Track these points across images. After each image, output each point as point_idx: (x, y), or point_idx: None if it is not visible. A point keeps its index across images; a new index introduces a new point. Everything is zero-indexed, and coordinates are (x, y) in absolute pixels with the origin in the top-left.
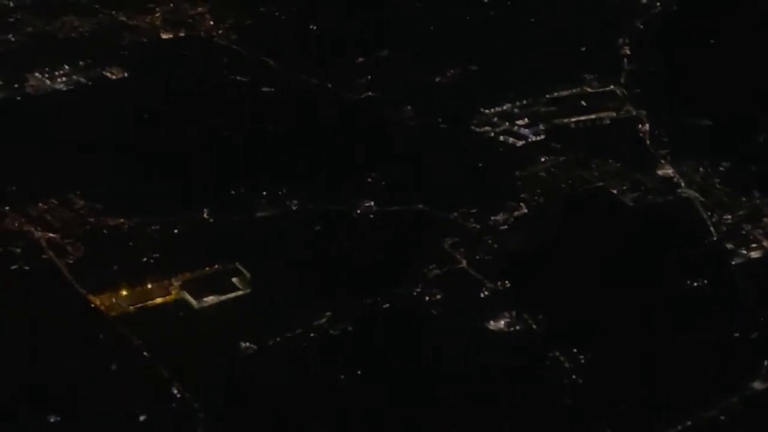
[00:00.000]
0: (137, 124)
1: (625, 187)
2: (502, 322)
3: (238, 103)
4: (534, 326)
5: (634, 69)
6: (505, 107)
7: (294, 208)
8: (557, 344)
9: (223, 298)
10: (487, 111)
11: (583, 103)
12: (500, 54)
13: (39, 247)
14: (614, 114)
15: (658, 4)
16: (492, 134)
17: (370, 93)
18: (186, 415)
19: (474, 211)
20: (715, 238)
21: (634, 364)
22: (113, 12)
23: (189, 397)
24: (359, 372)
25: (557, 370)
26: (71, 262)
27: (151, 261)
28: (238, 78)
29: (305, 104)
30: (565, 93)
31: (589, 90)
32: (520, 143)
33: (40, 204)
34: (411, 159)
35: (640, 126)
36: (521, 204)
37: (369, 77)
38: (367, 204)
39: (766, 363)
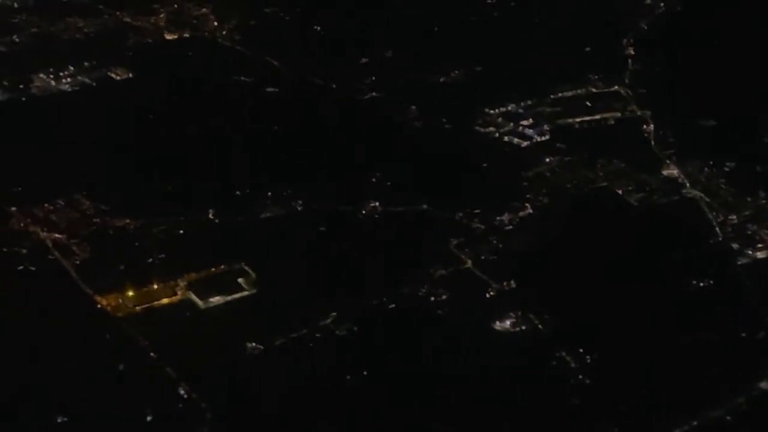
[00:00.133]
0: (142, 124)
1: (630, 188)
2: (508, 323)
3: (242, 103)
4: (540, 326)
5: (639, 69)
6: (509, 108)
7: (299, 208)
8: (563, 344)
9: (229, 298)
10: (491, 111)
11: (588, 103)
12: (504, 54)
13: (45, 247)
14: (619, 114)
15: (662, 4)
16: (497, 135)
17: (374, 93)
18: (193, 415)
19: (479, 211)
20: (720, 239)
21: (640, 364)
22: (117, 13)
23: (196, 398)
24: (365, 372)
25: (563, 370)
26: (77, 262)
27: (157, 261)
28: (242, 78)
29: (309, 105)
30: (569, 93)
31: (593, 90)
32: (524, 144)
33: (46, 204)
34: (416, 159)
35: (644, 126)
36: (526, 204)
37: (373, 78)
38: (372, 204)
39: None
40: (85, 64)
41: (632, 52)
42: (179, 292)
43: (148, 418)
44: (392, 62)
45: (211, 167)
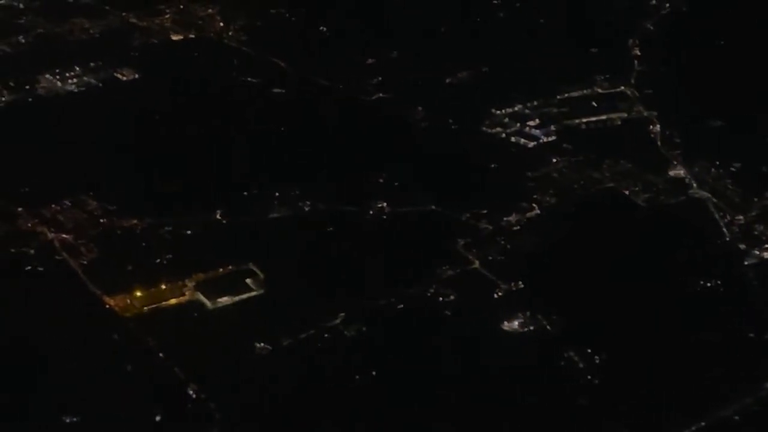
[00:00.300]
0: (148, 125)
1: (637, 188)
2: (516, 323)
3: (248, 104)
4: (548, 327)
5: (645, 70)
6: (516, 108)
7: (306, 209)
8: (571, 344)
9: (237, 298)
10: (498, 112)
11: (594, 104)
12: (510, 55)
13: (52, 248)
14: (625, 115)
15: (668, 5)
16: (503, 135)
17: (380, 94)
18: (202, 415)
19: (486, 212)
20: (727, 239)
21: (648, 365)
22: (123, 14)
23: (204, 398)
24: (373, 372)
25: (572, 370)
26: (85, 263)
27: (165, 262)
28: (248, 79)
29: (316, 105)
30: (575, 94)
31: (599, 91)
32: (531, 144)
33: (53, 205)
34: (423, 160)
35: (651, 127)
36: (533, 205)
37: (379, 78)
38: (379, 205)
39: None
40: (91, 64)
41: (638, 53)
42: (187, 293)
43: (157, 419)
44: (398, 63)
45: (218, 168)
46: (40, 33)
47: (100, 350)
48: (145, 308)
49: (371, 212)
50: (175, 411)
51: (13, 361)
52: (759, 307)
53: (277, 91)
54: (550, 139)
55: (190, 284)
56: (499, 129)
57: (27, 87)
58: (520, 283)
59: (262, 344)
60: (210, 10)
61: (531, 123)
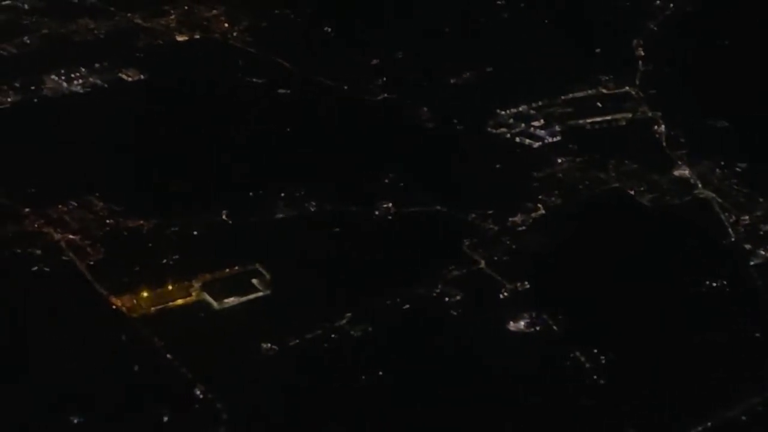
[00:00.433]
0: (154, 126)
1: (642, 188)
2: (522, 323)
3: (253, 104)
4: (554, 327)
5: (649, 70)
6: (520, 109)
7: (312, 209)
8: (577, 344)
9: (244, 299)
10: (502, 112)
11: (599, 104)
12: (515, 56)
13: (59, 248)
14: (630, 115)
15: (671, 5)
16: (508, 135)
17: (385, 95)
18: (208, 415)
19: (491, 212)
20: (732, 239)
21: (654, 365)
22: (128, 14)
23: (211, 398)
24: (380, 372)
25: (577, 370)
26: (91, 263)
27: (171, 262)
28: (253, 80)
29: (321, 106)
30: (580, 94)
31: (604, 91)
32: (536, 144)
33: (60, 206)
34: (428, 160)
35: (655, 127)
36: (539, 205)
37: (384, 79)
38: (385, 205)
39: None
40: (97, 65)
41: (642, 53)
42: (193, 293)
43: (165, 419)
44: (403, 63)
45: (224, 168)
46: (45, 34)
47: (107, 350)
48: (152, 309)
49: (377, 212)
50: (182, 411)
51: (19, 361)
52: (764, 307)
53: (282, 92)
54: (555, 139)
55: (197, 285)
56: (503, 129)
57: (32, 88)
58: (526, 283)
59: (269, 344)
60: (215, 11)
61: (536, 123)
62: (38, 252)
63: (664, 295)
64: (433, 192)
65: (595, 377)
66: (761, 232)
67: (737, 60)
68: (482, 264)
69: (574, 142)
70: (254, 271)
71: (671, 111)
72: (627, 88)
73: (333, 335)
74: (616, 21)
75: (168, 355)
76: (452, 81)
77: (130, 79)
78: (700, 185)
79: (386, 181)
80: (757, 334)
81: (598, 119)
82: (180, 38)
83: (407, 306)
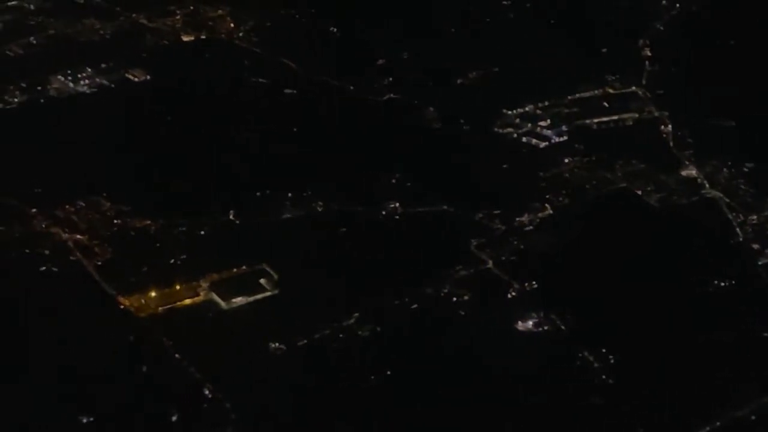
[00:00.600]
0: (160, 125)
1: (649, 188)
2: (530, 323)
3: (260, 104)
4: (562, 327)
5: (656, 70)
6: (527, 109)
7: (319, 209)
8: (586, 344)
9: (251, 299)
10: (509, 112)
11: (606, 104)
12: (520, 56)
13: (66, 248)
14: (637, 115)
15: (678, 5)
16: (515, 135)
17: (391, 95)
18: (217, 415)
19: (499, 212)
20: (740, 239)
21: (663, 365)
22: (134, 15)
23: (220, 398)
24: (388, 372)
25: (586, 370)
26: (99, 263)
27: (179, 262)
28: (259, 80)
29: (327, 106)
30: (587, 94)
31: (611, 91)
32: (543, 144)
33: (67, 206)
34: (435, 160)
35: (662, 127)
36: (546, 205)
37: (390, 79)
38: (392, 205)
39: None
40: (103, 65)
41: (649, 53)
42: (201, 293)
43: (173, 418)
44: (409, 63)
45: (230, 168)
46: (51, 34)
47: (115, 350)
48: (160, 308)
49: (384, 212)
50: (190, 410)
51: (26, 361)
52: None
53: (288, 92)
54: (561, 139)
55: (205, 284)
56: (510, 129)
57: (39, 88)
58: (534, 283)
59: (277, 344)
60: (220, 11)
61: (542, 123)
62: (46, 252)
63: (672, 294)
64: (440, 192)
65: (603, 377)
66: None
67: (744, 60)
68: (490, 264)
69: (580, 142)
70: (262, 271)
71: (678, 111)
72: (633, 87)
73: (341, 335)
74: (622, 21)
75: (176, 355)
76: (458, 81)
77: (136, 79)
78: (707, 185)
79: (393, 181)
80: (766, 334)
81: (605, 119)
82: (186, 38)
83: (415, 306)
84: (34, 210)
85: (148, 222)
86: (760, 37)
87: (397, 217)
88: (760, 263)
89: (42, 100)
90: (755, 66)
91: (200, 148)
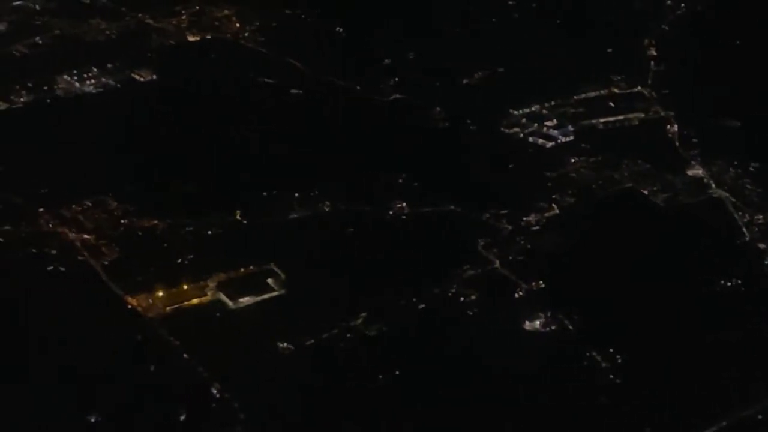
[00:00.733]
0: (166, 125)
1: (656, 188)
2: (538, 323)
3: (266, 105)
4: (569, 326)
5: (661, 70)
6: (533, 108)
7: (326, 209)
8: (593, 344)
9: (259, 298)
10: (515, 112)
11: (611, 104)
12: (526, 56)
13: (74, 248)
14: (642, 115)
15: (683, 5)
16: (521, 135)
17: (397, 95)
18: (226, 414)
19: (505, 212)
20: (747, 239)
21: (670, 364)
22: (139, 15)
23: (228, 397)
24: (397, 372)
25: (594, 370)
26: (106, 263)
27: (186, 262)
28: (265, 80)
29: (333, 106)
30: (592, 94)
31: (616, 91)
32: (549, 144)
33: (74, 206)
34: (441, 160)
35: (668, 127)
36: (553, 205)
37: (396, 79)
38: (398, 205)
39: None
40: (109, 65)
41: (654, 53)
42: (209, 293)
43: (181, 418)
44: (415, 63)
45: (237, 168)
46: (57, 34)
47: (123, 350)
48: (168, 308)
49: (391, 212)
50: (199, 410)
51: (35, 361)
52: None
53: (294, 92)
54: (567, 139)
55: (212, 284)
56: (516, 129)
57: (45, 88)
58: (541, 282)
59: (285, 344)
60: (226, 11)
61: (548, 123)
62: (53, 252)
63: (679, 294)
64: (447, 192)
65: (611, 376)
66: None
67: (749, 60)
68: (497, 264)
69: (587, 141)
70: (269, 271)
71: (684, 111)
72: (639, 87)
73: (348, 335)
74: (627, 21)
75: (184, 355)
76: (464, 81)
77: (142, 79)
78: (713, 185)
79: (399, 181)
80: None
81: (611, 119)
82: (191, 39)
83: (422, 306)
84: (41, 209)
85: (155, 222)
86: (766, 36)
87: (404, 217)
88: (766, 263)
89: (48, 100)
90: (761, 66)
91: (207, 148)
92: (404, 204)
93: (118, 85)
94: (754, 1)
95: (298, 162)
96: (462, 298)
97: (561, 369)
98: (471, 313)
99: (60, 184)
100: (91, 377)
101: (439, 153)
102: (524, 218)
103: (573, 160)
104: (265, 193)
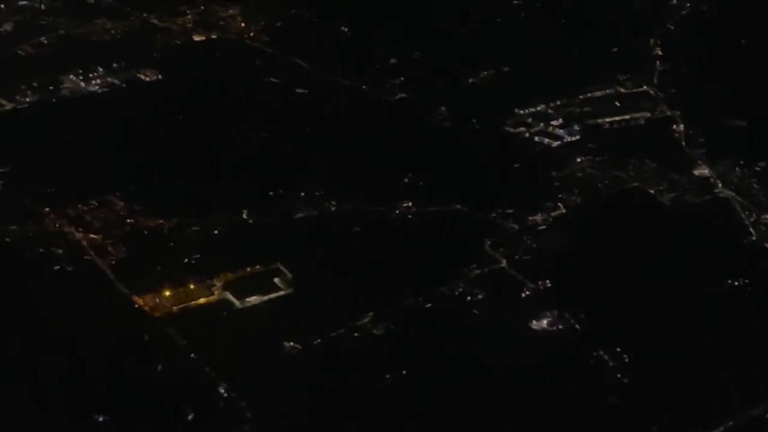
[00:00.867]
0: (172, 125)
1: (662, 188)
2: (545, 322)
3: (272, 104)
4: (576, 326)
5: (667, 69)
6: (539, 108)
7: (332, 209)
8: (600, 343)
9: (266, 298)
10: (521, 112)
11: (617, 103)
12: (532, 55)
13: (81, 248)
14: (648, 114)
15: (688, 4)
16: (527, 135)
17: (403, 94)
18: (233, 414)
19: (512, 211)
20: (753, 238)
21: (678, 364)
22: (145, 14)
23: (235, 397)
24: (403, 371)
25: (601, 369)
26: (113, 262)
27: (193, 261)
28: (271, 80)
29: (339, 106)
30: (598, 94)
31: (622, 90)
32: (555, 144)
33: (80, 205)
34: (447, 160)
35: (674, 126)
36: (559, 204)
37: (402, 78)
38: (405, 204)
39: None
40: (114, 65)
41: (660, 53)
42: (216, 292)
43: (189, 417)
44: (421, 63)
45: (243, 168)
46: (62, 34)
47: (130, 349)
48: (174, 308)
49: (397, 212)
50: (206, 410)
51: (42, 361)
52: None
53: (299, 92)
54: (573, 138)
55: (219, 284)
56: (522, 128)
57: (51, 88)
58: (548, 281)
59: (291, 343)
60: (231, 11)
61: (554, 122)
62: (60, 251)
63: (685, 294)
64: (453, 191)
65: (618, 375)
66: None
67: (755, 59)
68: (504, 263)
69: (593, 141)
70: (276, 270)
71: (689, 110)
72: (645, 87)
73: (355, 334)
74: (632, 20)
75: (191, 354)
76: (470, 81)
77: (147, 79)
78: (719, 184)
79: (405, 180)
80: None
81: (617, 118)
82: (197, 38)
83: (429, 305)
84: (47, 209)
85: (162, 221)
86: None
87: (410, 216)
88: None
89: (54, 100)
90: (767, 65)
91: (213, 147)
92: (410, 203)
93: (124, 85)
94: (759, 1)
95: (304, 161)
96: (469, 298)
97: (568, 368)
98: (478, 313)
99: (66, 184)
100: (98, 377)
101: (444, 152)
102: (531, 217)
103: (579, 160)
104: (271, 193)
